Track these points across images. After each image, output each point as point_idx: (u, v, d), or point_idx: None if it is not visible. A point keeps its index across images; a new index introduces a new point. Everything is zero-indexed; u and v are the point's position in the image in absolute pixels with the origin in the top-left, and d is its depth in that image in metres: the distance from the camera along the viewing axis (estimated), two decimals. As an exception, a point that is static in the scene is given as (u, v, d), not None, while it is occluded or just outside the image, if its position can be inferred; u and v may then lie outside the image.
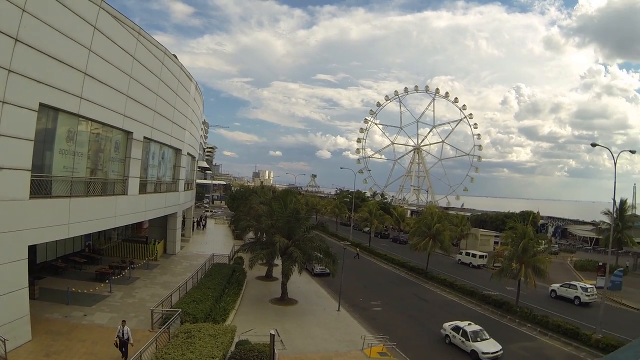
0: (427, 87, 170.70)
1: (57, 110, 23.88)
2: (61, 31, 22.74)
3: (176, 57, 45.22)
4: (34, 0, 20.26)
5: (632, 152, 40.38)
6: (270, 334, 21.91)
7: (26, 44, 20.10)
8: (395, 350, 29.46)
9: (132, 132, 34.37)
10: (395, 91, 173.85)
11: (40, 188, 22.65)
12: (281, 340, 28.58)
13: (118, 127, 32.01)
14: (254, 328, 29.17)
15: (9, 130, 19.57)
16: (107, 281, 34.96)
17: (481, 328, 31.73)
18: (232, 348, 24.04)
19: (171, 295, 31.24)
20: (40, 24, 20.95)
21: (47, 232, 23.64)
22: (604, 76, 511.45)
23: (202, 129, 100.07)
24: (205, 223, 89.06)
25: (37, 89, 21.19)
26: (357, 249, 71.45)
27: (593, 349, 31.63)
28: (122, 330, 22.69)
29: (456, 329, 31.99)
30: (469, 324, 32.04)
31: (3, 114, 19.17)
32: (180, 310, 27.39)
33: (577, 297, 45.67)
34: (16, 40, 19.55)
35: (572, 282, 48.79)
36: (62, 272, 37.76)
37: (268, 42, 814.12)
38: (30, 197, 21.33)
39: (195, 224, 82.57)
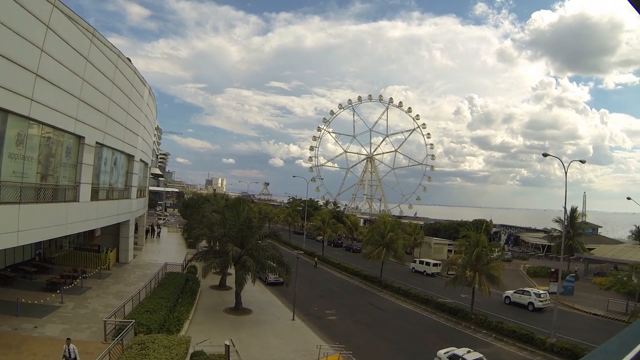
0: (380, 96, 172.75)
1: (6, 112, 22.89)
2: (12, 29, 21.82)
3: (130, 61, 44.46)
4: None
5: (582, 162, 41.93)
6: (225, 344, 21.68)
7: (-25, 43, 19.28)
8: (351, 359, 29.39)
9: (84, 137, 33.32)
10: (349, 100, 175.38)
11: (-12, 194, 21.72)
12: (237, 351, 28.18)
13: (70, 132, 30.96)
14: (209, 338, 28.77)
15: (-45, 132, 18.72)
16: (58, 291, 33.83)
17: (482, 356, 29.51)
18: (187, 359, 23.59)
19: (124, 305, 30.39)
20: (-10, 21, 20.12)
21: (-6, 239, 22.64)
22: (555, 88, 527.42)
23: (155, 135, 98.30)
24: (160, 231, 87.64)
25: (-15, 90, 20.31)
26: (315, 259, 71.37)
27: (548, 353, 32.69)
28: (68, 349, 21.45)
29: (454, 357, 29.36)
30: (469, 352, 29.74)
31: (-51, 115, 18.36)
32: (133, 320, 26.69)
33: (530, 303, 46.87)
34: (-36, 38, 18.75)
35: (525, 289, 50.20)
36: (11, 281, 36.43)
37: (223, 48, 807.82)
38: (-24, 203, 20.43)
39: (149, 232, 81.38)
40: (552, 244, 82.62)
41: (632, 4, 2.32)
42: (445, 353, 30.08)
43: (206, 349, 25.66)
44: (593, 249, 74.66)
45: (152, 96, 60.46)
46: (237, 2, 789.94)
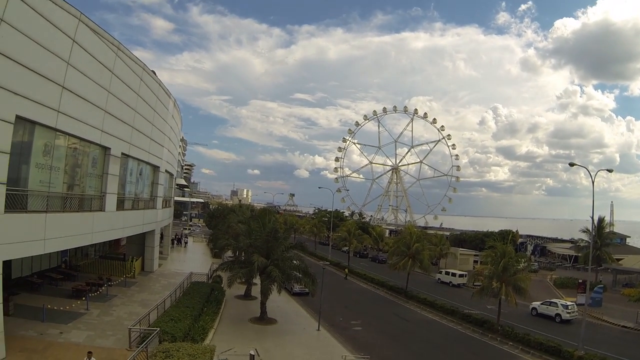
0: (405, 107, 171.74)
1: (34, 123, 23.35)
2: (40, 43, 22.34)
3: (155, 74, 44.93)
4: (12, 9, 19.87)
5: (610, 170, 41.02)
6: (250, 354, 21.61)
7: (3, 54, 19.64)
8: (376, 370, 29.17)
9: (109, 148, 33.81)
10: (374, 111, 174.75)
11: (16, 202, 22.01)
12: (261, 360, 28.11)
13: (95, 143, 31.45)
14: (234, 347, 28.72)
15: (-17, 142, 19.07)
16: (83, 298, 34.12)
17: None
18: (212, 368, 23.60)
19: (149, 313, 30.51)
20: (18, 34, 20.51)
21: (22, 247, 22.96)
22: (580, 97, 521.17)
23: (180, 146, 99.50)
24: (187, 241, 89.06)
25: (13, 101, 20.66)
26: (346, 270, 70.52)
27: (575, 366, 31.70)
28: None
29: None
30: None
31: (-22, 126, 18.71)
32: (158, 329, 26.72)
33: (558, 315, 45.88)
34: (-7, 50, 19.14)
35: (552, 300, 49.11)
36: (38, 288, 36.84)
37: (247, 60, 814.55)
38: (5, 212, 20.71)
39: (176, 241, 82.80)
40: (579, 254, 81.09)
41: None
42: None
43: (231, 358, 25.66)
44: (621, 259, 73.24)
45: (177, 108, 61.11)
46: (260, 15, 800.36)
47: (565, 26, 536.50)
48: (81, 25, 26.38)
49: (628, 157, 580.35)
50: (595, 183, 35.89)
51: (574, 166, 39.74)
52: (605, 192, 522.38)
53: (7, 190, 20.79)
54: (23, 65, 21.14)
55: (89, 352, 21.04)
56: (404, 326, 42.11)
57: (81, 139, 29.35)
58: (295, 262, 39.16)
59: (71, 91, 25.87)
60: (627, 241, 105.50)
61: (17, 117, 21.21)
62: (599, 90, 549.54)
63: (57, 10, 23.91)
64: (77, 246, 39.88)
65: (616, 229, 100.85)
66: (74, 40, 25.65)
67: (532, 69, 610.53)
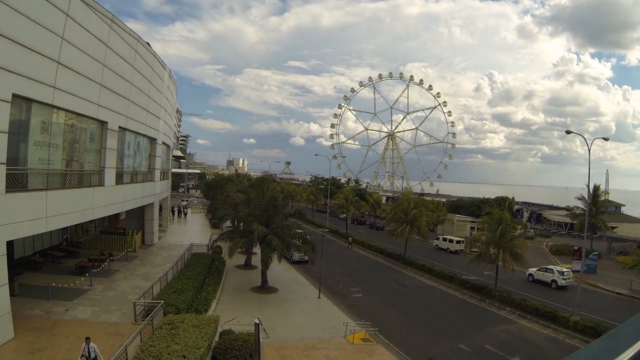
0: (401, 74, 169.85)
1: (30, 100, 23.23)
2: (33, 19, 22.05)
3: (149, 45, 44.48)
4: (4, -14, 19.63)
5: (606, 139, 40.99)
6: (255, 322, 21.84)
7: (-3, 33, 19.49)
8: (377, 336, 29.63)
9: (107, 122, 33.71)
10: (370, 77, 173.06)
11: (16, 182, 22.08)
12: (264, 329, 28.39)
13: (93, 117, 31.36)
14: (237, 317, 29.05)
15: (-19, 122, 19.02)
16: (87, 274, 34.38)
17: None
18: (217, 338, 24.00)
19: (152, 286, 30.91)
20: (10, 11, 20.23)
21: (25, 226, 23.09)
22: (576, 65, 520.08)
23: (175, 117, 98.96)
24: (187, 212, 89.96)
25: (9, 79, 20.52)
26: (350, 239, 70.00)
27: (571, 331, 32.41)
28: (88, 348, 19.64)
29: None
30: None
31: (-25, 106, 18.65)
32: (162, 301, 27.14)
33: (554, 281, 46.51)
34: (-13, 28, 18.95)
35: (548, 266, 49.68)
36: (41, 266, 37.06)
37: (240, 29, 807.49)
38: (6, 192, 20.79)
39: (175, 213, 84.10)
40: (574, 221, 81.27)
41: None
42: None
43: (234, 328, 25.98)
44: (616, 227, 73.55)
45: (172, 79, 60.66)
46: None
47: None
48: (74, -2, 26.06)
49: (624, 126, 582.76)
50: (591, 151, 36.01)
51: (570, 134, 39.74)
52: (600, 161, 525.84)
53: (7, 170, 20.85)
54: (17, 43, 20.91)
55: (87, 338, 20.21)
56: (403, 292, 42.66)
57: (78, 114, 29.24)
58: (294, 230, 39.43)
59: (66, 66, 25.64)
60: (621, 209, 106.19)
61: (14, 95, 21.11)
62: (596, 59, 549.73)
63: (50, -15, 23.61)
64: (78, 222, 39.90)
65: (611, 198, 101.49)
66: (67, 15, 25.30)
67: (529, 36, 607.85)
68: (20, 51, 21.28)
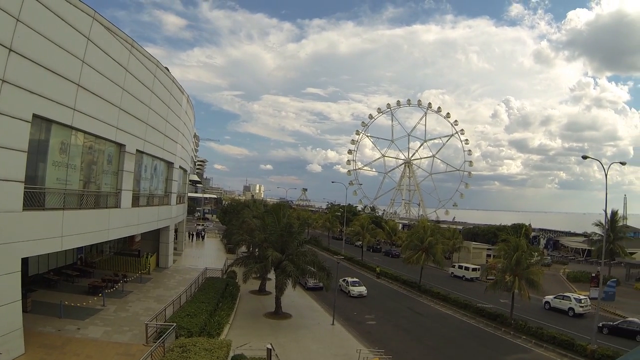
0: (419, 101, 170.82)
1: (50, 121, 23.68)
2: (55, 42, 22.62)
3: (168, 70, 45.14)
4: (28, 10, 20.15)
5: (623, 163, 40.53)
6: (267, 348, 21.76)
7: (20, 54, 19.93)
8: (391, 364, 29.24)
9: (124, 145, 34.12)
10: (388, 104, 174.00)
11: (34, 200, 22.35)
12: (276, 355, 28.22)
13: (111, 140, 31.78)
14: (249, 342, 28.85)
15: (2, 141, 19.32)
16: (100, 294, 34.51)
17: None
18: (228, 362, 23.79)
19: (165, 309, 30.80)
20: (34, 34, 20.81)
21: (40, 244, 23.30)
22: (593, 89, 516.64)
23: (193, 142, 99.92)
24: (204, 235, 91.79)
25: (30, 100, 20.98)
26: (378, 269, 66.32)
27: (589, 360, 31.57)
28: None
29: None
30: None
31: (-3, 125, 18.98)
32: (174, 324, 27.01)
33: (571, 309, 45.65)
34: (10, 49, 19.37)
35: (565, 294, 48.89)
36: (55, 285, 37.32)
37: (258, 55, 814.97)
38: (23, 209, 21.03)
39: (194, 236, 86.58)
40: (592, 248, 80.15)
41: None
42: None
43: (246, 353, 25.78)
44: (635, 253, 72.53)
45: (190, 104, 61.40)
46: (270, 9, 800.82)
47: (579, 17, 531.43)
48: (95, 23, 26.63)
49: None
50: (608, 176, 35.56)
51: (587, 159, 39.54)
52: (618, 186, 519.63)
53: (25, 188, 21.13)
54: (39, 65, 21.43)
55: None
56: (418, 320, 42.12)
57: (97, 137, 29.67)
58: (309, 256, 39.28)
59: (86, 89, 26.13)
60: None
61: (34, 115, 21.55)
62: (613, 82, 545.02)
63: (72, 9, 24.19)
64: (93, 243, 40.09)
65: (630, 223, 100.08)
66: (88, 39, 25.91)
67: (545, 61, 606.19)
68: (42, 73, 21.76)
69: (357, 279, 53.45)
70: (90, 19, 26.07)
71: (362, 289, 50.38)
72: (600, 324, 40.54)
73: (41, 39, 21.45)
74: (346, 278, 53.11)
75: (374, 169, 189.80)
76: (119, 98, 31.71)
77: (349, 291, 50.21)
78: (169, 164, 50.60)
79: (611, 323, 40.48)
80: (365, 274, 67.14)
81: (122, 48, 31.47)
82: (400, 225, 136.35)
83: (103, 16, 27.59)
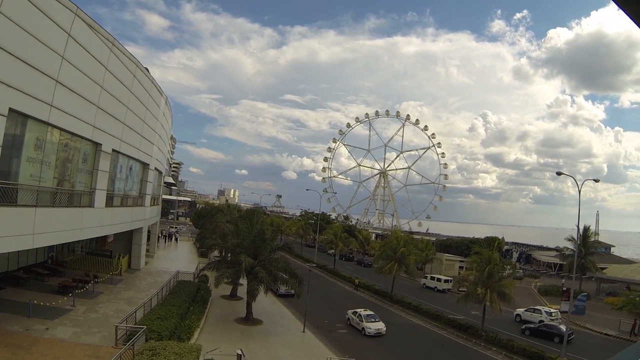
0: (398, 112, 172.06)
1: (26, 116, 23.25)
2: (35, 36, 22.28)
3: (148, 71, 44.83)
4: (9, 1, 19.83)
5: (596, 180, 41.35)
6: (237, 353, 21.68)
7: (-1, 47, 19.62)
8: (361, 373, 29.29)
9: (101, 144, 33.73)
10: (366, 114, 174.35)
11: (6, 196, 21.91)
12: (246, 360, 28.15)
13: (87, 138, 31.36)
14: (219, 347, 28.75)
15: (-24, 134, 18.99)
16: (70, 294, 34.01)
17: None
18: (198, 367, 23.62)
19: (135, 311, 30.47)
20: (14, 26, 20.46)
21: (11, 241, 22.79)
22: (570, 106, 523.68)
23: (169, 144, 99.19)
24: (178, 237, 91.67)
25: (7, 94, 20.57)
26: (357, 281, 64.60)
27: (558, 373, 32.08)
28: None
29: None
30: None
31: (-29, 118, 18.65)
32: (145, 327, 26.75)
33: (541, 322, 46.13)
34: (-12, 42, 19.08)
35: (536, 307, 49.90)
36: (24, 283, 36.74)
37: (238, 59, 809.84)
38: (-6, 205, 20.68)
39: (166, 237, 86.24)
40: (564, 262, 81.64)
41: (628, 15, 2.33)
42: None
43: (216, 358, 25.72)
44: (605, 268, 73.89)
45: (169, 106, 61.03)
46: (252, 14, 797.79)
47: (559, 36, 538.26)
48: (77, 19, 26.36)
49: (615, 168, 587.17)
50: (582, 192, 36.54)
51: (562, 175, 40.22)
52: (591, 202, 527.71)
53: (-2, 183, 20.74)
54: (18, 58, 21.06)
55: None
56: (389, 330, 42.17)
57: (73, 134, 29.25)
58: (282, 263, 39.23)
59: (65, 85, 25.81)
60: (611, 250, 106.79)
61: (10, 109, 21.12)
62: (590, 101, 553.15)
63: (54, 4, 23.93)
64: (65, 242, 39.59)
65: (601, 239, 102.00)
66: (69, 35, 25.61)
67: (524, 78, 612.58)
68: (20, 66, 21.39)
69: (372, 312, 43.07)
70: (72, 15, 25.79)
71: (380, 326, 40.41)
72: (523, 327, 43.79)
73: (21, 32, 21.11)
74: (357, 310, 42.94)
75: (349, 178, 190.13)
76: (98, 96, 31.36)
77: (362, 328, 40.46)
78: (145, 165, 50.16)
79: (532, 326, 43.74)
80: (340, 284, 67.42)
81: (103, 46, 31.19)
82: (374, 235, 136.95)
83: (85, 12, 27.35)
